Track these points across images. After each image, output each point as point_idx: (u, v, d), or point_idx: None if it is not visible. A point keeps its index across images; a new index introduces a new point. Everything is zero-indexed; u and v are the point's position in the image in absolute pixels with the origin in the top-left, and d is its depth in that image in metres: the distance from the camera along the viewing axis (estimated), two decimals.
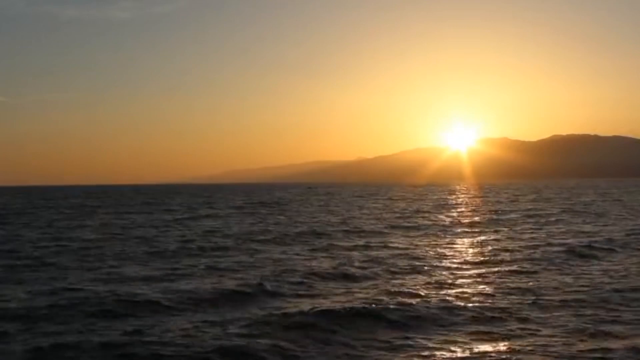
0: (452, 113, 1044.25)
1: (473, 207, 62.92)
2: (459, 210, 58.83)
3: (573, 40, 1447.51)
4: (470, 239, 31.22)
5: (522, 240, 29.97)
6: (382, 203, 76.14)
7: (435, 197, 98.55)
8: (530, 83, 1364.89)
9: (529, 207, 60.26)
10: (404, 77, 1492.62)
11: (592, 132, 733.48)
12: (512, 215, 48.49)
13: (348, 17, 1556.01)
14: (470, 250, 26.50)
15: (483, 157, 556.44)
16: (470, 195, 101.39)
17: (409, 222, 42.23)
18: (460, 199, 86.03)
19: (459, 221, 43.37)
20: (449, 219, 45.48)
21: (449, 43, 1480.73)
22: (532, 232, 34.15)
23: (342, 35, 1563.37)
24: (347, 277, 19.32)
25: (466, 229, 36.93)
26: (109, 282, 18.34)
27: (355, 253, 25.30)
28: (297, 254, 25.31)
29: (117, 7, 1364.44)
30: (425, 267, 21.45)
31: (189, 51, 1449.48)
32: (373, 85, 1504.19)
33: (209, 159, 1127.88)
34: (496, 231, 35.17)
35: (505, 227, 37.58)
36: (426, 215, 50.72)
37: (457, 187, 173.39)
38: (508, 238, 31.15)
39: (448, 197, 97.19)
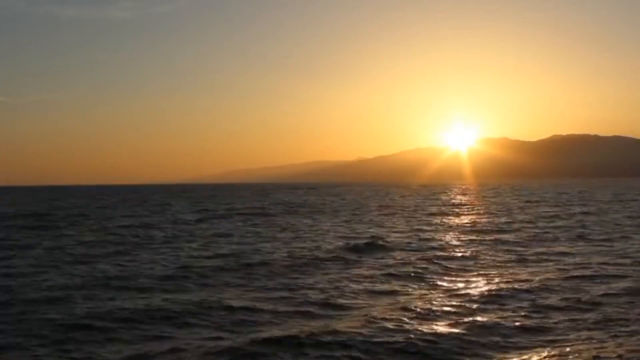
0: (452, 113, 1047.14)
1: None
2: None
3: (573, 40, 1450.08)
4: None
5: None
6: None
7: (460, 197, 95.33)
8: (530, 83, 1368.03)
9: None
10: (404, 77, 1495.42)
11: (592, 132, 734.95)
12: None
13: (348, 17, 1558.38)
14: None
15: (483, 157, 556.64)
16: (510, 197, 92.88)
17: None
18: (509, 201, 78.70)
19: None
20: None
21: (449, 43, 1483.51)
22: None
23: (342, 35, 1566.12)
24: None
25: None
26: None
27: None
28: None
29: (117, 7, 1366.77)
30: None
31: (189, 51, 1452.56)
32: (373, 85, 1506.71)
33: (209, 159, 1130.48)
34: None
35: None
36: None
37: (470, 187, 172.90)
38: None
39: (484, 197, 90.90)
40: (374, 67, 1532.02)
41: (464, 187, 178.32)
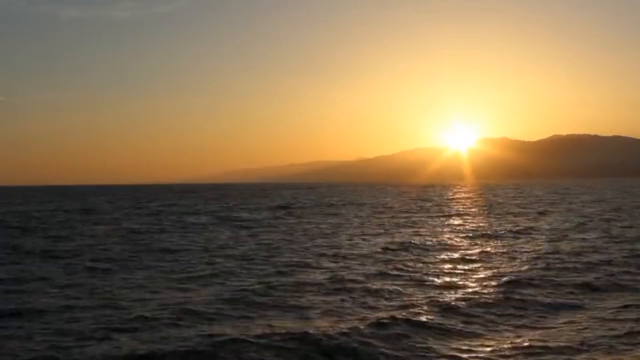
0: (452, 113, 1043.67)
1: None
2: None
3: (573, 40, 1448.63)
4: None
5: None
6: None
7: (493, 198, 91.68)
8: (530, 83, 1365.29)
9: None
10: (404, 77, 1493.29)
11: (592, 132, 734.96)
12: None
13: (348, 17, 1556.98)
14: None
15: (483, 157, 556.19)
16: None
17: None
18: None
19: None
20: None
21: (449, 43, 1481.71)
22: None
23: (342, 35, 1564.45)
24: None
25: None
26: None
27: None
28: None
29: (117, 7, 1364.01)
30: None
31: (189, 51, 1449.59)
32: (373, 85, 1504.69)
33: (209, 159, 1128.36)
34: None
35: None
36: None
37: (479, 188, 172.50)
38: None
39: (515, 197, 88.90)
40: (374, 67, 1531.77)
41: (472, 187, 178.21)
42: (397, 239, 32.11)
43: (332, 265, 23.37)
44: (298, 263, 23.54)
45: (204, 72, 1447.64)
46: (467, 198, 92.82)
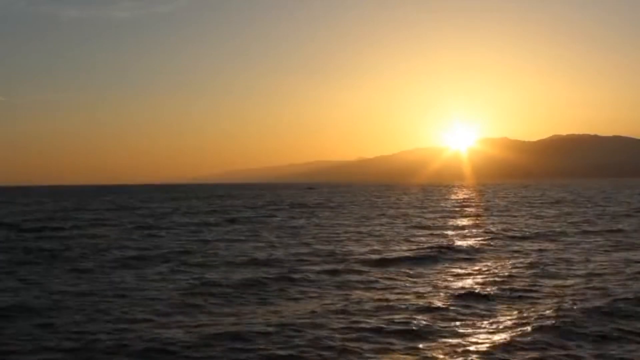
0: (452, 113, 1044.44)
1: None
2: None
3: (573, 40, 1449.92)
4: None
5: None
6: None
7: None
8: (530, 83, 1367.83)
9: None
10: (404, 77, 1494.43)
11: (592, 132, 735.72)
12: None
13: (348, 17, 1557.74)
14: None
15: (483, 157, 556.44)
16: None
17: None
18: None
19: None
20: None
21: (449, 43, 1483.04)
22: None
23: (342, 35, 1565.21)
24: None
25: None
26: None
27: None
28: None
29: (117, 7, 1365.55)
30: None
31: (189, 51, 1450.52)
32: (373, 85, 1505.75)
33: (209, 159, 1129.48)
34: None
35: None
36: None
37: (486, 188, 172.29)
38: None
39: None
40: (374, 67, 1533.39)
41: (479, 186, 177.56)
42: (449, 241, 30.07)
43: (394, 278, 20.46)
44: (348, 269, 21.35)
45: (204, 72, 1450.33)
46: (481, 198, 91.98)
